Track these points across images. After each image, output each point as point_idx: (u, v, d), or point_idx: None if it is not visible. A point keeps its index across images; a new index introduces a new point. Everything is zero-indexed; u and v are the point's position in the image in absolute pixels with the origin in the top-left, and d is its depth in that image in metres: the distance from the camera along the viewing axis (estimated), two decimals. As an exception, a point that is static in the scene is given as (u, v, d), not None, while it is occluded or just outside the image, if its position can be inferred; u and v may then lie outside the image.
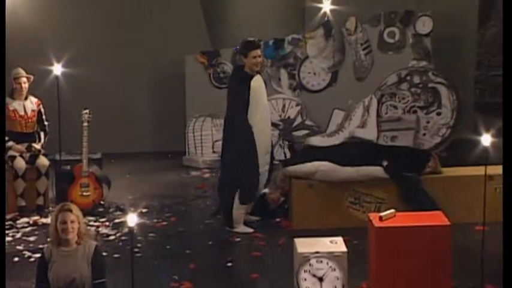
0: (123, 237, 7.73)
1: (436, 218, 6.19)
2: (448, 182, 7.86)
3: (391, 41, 10.21)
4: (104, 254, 5.99)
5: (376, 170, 7.81)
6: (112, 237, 7.78)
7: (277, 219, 8.04)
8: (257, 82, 7.52)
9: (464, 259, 6.74)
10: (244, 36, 10.40)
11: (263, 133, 7.54)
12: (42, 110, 8.58)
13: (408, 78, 10.14)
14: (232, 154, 7.49)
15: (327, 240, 6.05)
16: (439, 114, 10.10)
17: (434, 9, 10.15)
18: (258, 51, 7.53)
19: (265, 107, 7.63)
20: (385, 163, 7.79)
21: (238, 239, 7.66)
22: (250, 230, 7.74)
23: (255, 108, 7.44)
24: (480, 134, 6.17)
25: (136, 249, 7.30)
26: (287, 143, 10.16)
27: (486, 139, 6.01)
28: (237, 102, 7.40)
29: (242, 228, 7.74)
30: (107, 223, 8.15)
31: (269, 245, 7.45)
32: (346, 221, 7.65)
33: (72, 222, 5.32)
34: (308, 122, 10.28)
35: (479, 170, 6.62)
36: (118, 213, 8.42)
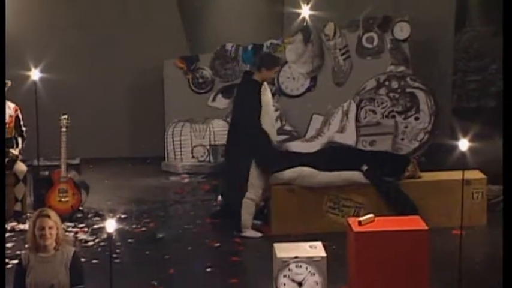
0: (102, 243, 7.70)
1: (414, 223, 6.22)
2: (426, 187, 7.89)
3: (369, 46, 10.25)
4: (83, 259, 5.96)
5: (356, 175, 7.83)
6: (90, 243, 7.75)
7: (258, 223, 8.04)
8: (266, 90, 7.85)
9: (442, 263, 6.77)
10: (222, 41, 10.47)
11: (272, 136, 7.87)
12: (20, 115, 8.53)
13: (386, 83, 10.18)
14: (243, 157, 7.67)
15: (306, 245, 6.06)
16: (417, 119, 10.15)
17: (411, 14, 10.21)
18: (279, 67, 8.27)
19: (273, 113, 8.06)
20: (364, 168, 7.82)
21: (217, 244, 7.65)
22: (259, 234, 7.75)
23: (265, 114, 7.73)
24: (458, 139, 6.21)
25: (114, 255, 7.28)
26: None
27: (463, 144, 6.05)
28: (249, 109, 7.69)
29: (250, 233, 7.75)
30: (86, 229, 8.12)
31: (248, 250, 7.45)
32: (325, 226, 7.66)
33: (50, 228, 5.30)
34: (287, 127, 10.29)
35: (457, 175, 6.66)
36: (96, 218, 8.38)
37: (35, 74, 8.52)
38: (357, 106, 10.12)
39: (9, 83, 8.42)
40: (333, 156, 8.11)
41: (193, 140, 10.14)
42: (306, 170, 7.81)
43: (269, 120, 7.82)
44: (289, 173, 7.80)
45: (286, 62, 10.29)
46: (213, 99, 10.34)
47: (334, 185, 7.77)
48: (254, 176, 7.70)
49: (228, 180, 7.94)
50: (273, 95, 10.36)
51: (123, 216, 8.43)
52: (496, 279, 6.61)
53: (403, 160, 8.24)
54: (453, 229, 7.36)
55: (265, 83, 7.87)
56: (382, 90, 10.17)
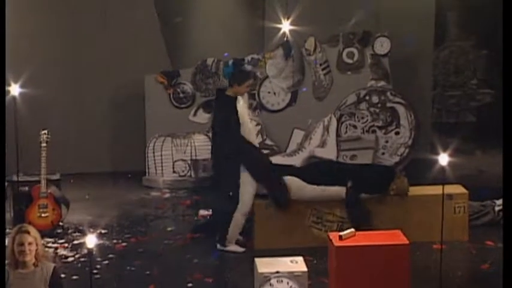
0: (82, 259, 7.66)
1: (395, 237, 6.23)
2: (406, 201, 7.91)
3: (350, 61, 10.29)
4: (63, 275, 5.92)
5: (340, 191, 7.81)
6: (71, 259, 7.71)
7: (239, 239, 8.03)
8: (239, 103, 7.88)
9: (423, 277, 6.78)
10: (204, 57, 10.48)
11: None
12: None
13: (367, 98, 10.22)
14: (231, 168, 7.73)
15: (287, 259, 6.06)
16: (397, 133, 10.19)
17: (391, 30, 10.26)
18: (251, 81, 8.20)
19: (249, 123, 8.04)
20: (349, 184, 7.79)
21: (196, 261, 7.63)
22: (241, 249, 7.74)
23: (242, 125, 7.77)
24: (438, 154, 6.24)
25: (95, 271, 7.24)
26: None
27: (443, 158, 6.08)
28: (228, 123, 7.76)
29: (234, 247, 7.75)
30: (66, 244, 8.07)
31: (230, 265, 7.44)
32: (308, 240, 7.66)
33: (29, 244, 5.26)
34: (268, 142, 10.30)
35: (438, 189, 6.68)
36: (77, 234, 8.34)
37: (15, 89, 8.48)
38: (338, 121, 10.15)
39: None
40: (319, 170, 8.10)
41: (175, 154, 10.12)
42: (296, 181, 7.81)
43: (247, 130, 7.86)
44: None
45: (267, 77, 10.31)
46: (194, 114, 10.34)
47: (319, 200, 7.77)
48: (244, 188, 7.71)
49: (217, 193, 7.95)
50: (254, 109, 10.41)
51: (103, 231, 8.39)
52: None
53: (389, 174, 8.19)
54: (434, 243, 7.37)
55: (239, 96, 7.90)
56: (363, 105, 10.20)
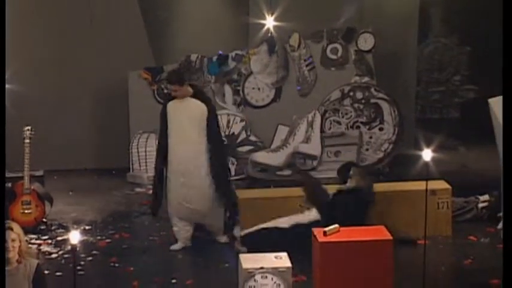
0: (66, 255, 7.64)
1: (378, 233, 6.25)
2: (390, 197, 7.93)
3: (334, 57, 10.31)
4: (46, 272, 5.91)
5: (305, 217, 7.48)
6: (54, 255, 7.69)
7: (225, 235, 8.02)
8: (173, 105, 7.65)
9: (406, 272, 6.81)
10: (188, 53, 10.46)
11: (176, 156, 7.55)
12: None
13: (351, 94, 10.24)
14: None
15: (271, 255, 6.07)
16: (381, 129, 10.22)
17: (375, 26, 10.29)
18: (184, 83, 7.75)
19: (181, 131, 7.58)
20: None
21: (180, 256, 7.62)
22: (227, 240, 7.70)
23: (170, 130, 7.60)
24: (421, 149, 6.26)
25: (79, 267, 7.23)
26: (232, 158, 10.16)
27: (427, 154, 6.10)
28: (160, 132, 7.73)
29: (223, 239, 7.72)
30: (49, 241, 8.05)
31: (214, 261, 7.44)
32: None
33: (12, 240, 5.24)
34: (252, 138, 10.30)
35: (422, 185, 6.71)
36: (60, 230, 8.31)
37: (-2, 85, 8.44)
38: (322, 117, 10.17)
39: None
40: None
41: (159, 151, 10.10)
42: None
43: (174, 137, 7.56)
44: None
45: (251, 73, 10.31)
46: (178, 110, 10.32)
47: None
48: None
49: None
50: (239, 105, 10.41)
51: (87, 227, 8.37)
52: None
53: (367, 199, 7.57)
54: (418, 239, 7.40)
55: (176, 99, 7.60)
56: (347, 101, 10.22)
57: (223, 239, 7.75)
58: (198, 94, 7.71)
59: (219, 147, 7.71)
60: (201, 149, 7.58)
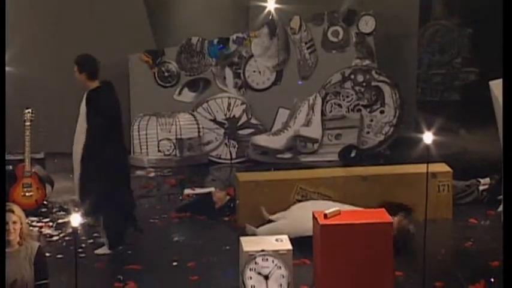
0: (67, 238, 7.66)
1: (378, 216, 6.27)
2: (391, 180, 7.94)
3: (334, 39, 10.29)
4: (47, 254, 5.92)
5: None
6: (55, 238, 7.70)
7: (225, 218, 8.04)
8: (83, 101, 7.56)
9: (407, 255, 6.83)
10: (188, 36, 10.43)
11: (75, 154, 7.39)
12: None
13: (352, 76, 10.22)
14: None
15: (272, 238, 6.08)
16: (382, 112, 10.21)
17: (376, 8, 10.25)
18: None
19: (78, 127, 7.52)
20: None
21: (182, 238, 7.64)
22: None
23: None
24: (422, 132, 6.25)
25: (80, 250, 7.24)
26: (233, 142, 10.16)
27: (428, 137, 6.09)
28: None
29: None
30: (50, 223, 8.06)
31: (215, 244, 7.45)
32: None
33: (14, 223, 5.26)
34: (253, 121, 10.29)
35: (422, 168, 6.71)
36: (61, 213, 8.33)
37: (-2, 68, 8.42)
38: (323, 100, 10.16)
39: None
40: None
41: (159, 133, 10.11)
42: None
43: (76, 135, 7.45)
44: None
45: (252, 56, 10.29)
46: (179, 93, 10.32)
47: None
48: None
49: None
50: (239, 88, 10.40)
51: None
52: (458, 271, 6.69)
53: None
54: (418, 221, 7.41)
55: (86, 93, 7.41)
56: (348, 84, 10.21)
57: None
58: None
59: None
60: None
